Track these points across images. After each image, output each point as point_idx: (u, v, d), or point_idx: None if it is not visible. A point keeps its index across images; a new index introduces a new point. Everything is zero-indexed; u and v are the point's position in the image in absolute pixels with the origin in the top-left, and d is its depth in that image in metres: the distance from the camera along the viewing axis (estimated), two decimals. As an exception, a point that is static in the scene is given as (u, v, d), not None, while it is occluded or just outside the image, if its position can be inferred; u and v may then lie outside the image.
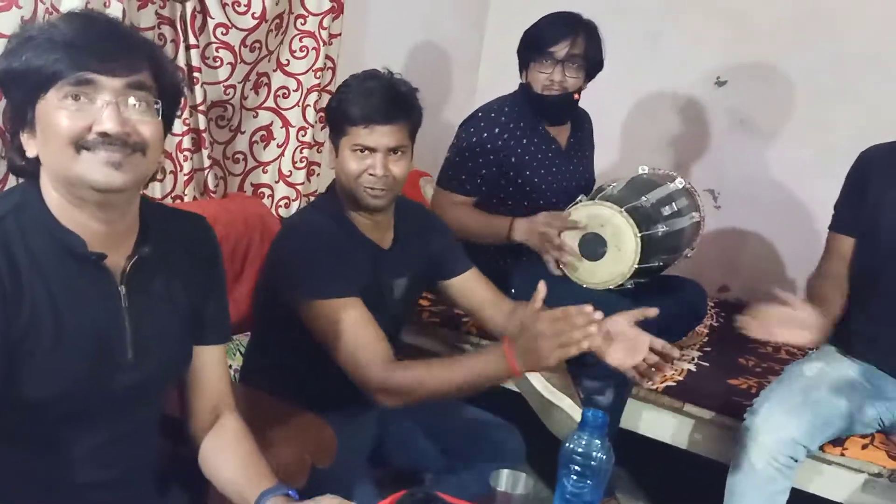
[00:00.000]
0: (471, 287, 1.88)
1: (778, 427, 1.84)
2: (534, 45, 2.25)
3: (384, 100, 1.60)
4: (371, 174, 1.62)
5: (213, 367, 1.27)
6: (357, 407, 1.60)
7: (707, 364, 2.45)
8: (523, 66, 2.30)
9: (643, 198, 2.15)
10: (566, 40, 2.20)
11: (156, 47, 1.15)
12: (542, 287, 1.48)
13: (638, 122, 3.44)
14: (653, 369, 1.63)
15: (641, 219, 2.09)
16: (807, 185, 3.14)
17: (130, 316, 1.12)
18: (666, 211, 2.19)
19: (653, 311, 1.55)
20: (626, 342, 1.63)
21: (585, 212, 2.13)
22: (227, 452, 1.23)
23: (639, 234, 2.06)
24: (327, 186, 1.80)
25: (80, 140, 1.01)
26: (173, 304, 1.19)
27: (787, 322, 1.73)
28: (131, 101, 1.04)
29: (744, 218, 3.31)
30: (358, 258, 1.66)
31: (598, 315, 1.39)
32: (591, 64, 2.26)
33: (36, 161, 1.06)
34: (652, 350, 1.61)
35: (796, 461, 1.84)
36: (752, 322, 1.72)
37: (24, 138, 1.05)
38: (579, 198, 2.19)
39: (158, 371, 1.18)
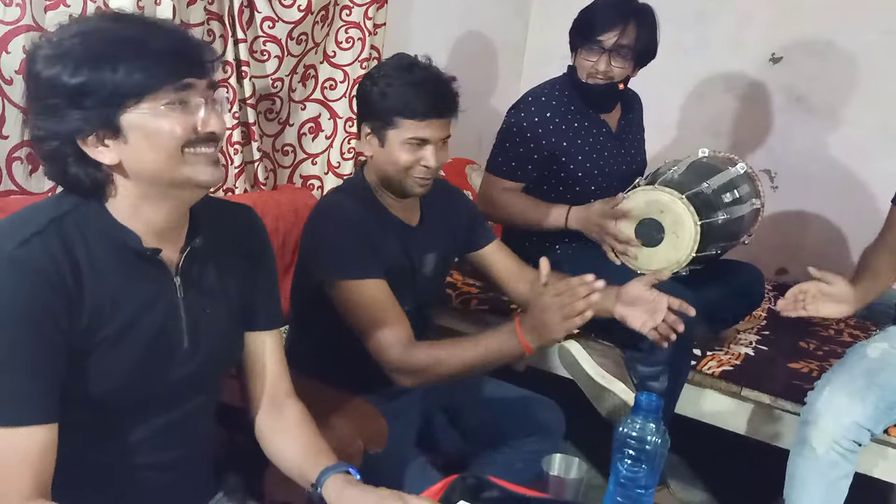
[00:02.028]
0: (495, 258, 1.92)
1: (841, 411, 1.79)
2: (583, 31, 2.20)
3: (438, 95, 1.62)
4: (424, 165, 1.63)
5: (268, 352, 1.29)
6: (397, 388, 1.61)
7: (766, 348, 2.40)
8: (572, 49, 2.25)
9: (704, 184, 2.09)
10: (615, 29, 2.14)
11: None
12: (544, 263, 1.50)
13: (689, 103, 3.38)
14: (671, 329, 1.74)
15: (702, 206, 2.04)
16: (866, 163, 3.05)
17: (186, 307, 1.15)
18: (727, 198, 2.13)
19: (666, 274, 1.71)
20: (645, 305, 1.76)
21: (644, 197, 2.08)
22: (287, 434, 1.26)
23: (699, 223, 2.01)
24: (356, 170, 1.80)
25: (186, 142, 1.05)
26: (223, 294, 1.21)
27: (820, 297, 1.85)
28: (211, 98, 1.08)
29: (801, 198, 3.22)
30: (386, 238, 1.67)
31: (601, 284, 1.43)
32: (641, 54, 2.19)
33: (100, 168, 1.05)
34: (670, 309, 1.74)
35: (860, 445, 1.79)
36: (785, 302, 1.86)
37: (93, 147, 1.03)
38: (637, 181, 2.15)
39: (212, 359, 1.20)
